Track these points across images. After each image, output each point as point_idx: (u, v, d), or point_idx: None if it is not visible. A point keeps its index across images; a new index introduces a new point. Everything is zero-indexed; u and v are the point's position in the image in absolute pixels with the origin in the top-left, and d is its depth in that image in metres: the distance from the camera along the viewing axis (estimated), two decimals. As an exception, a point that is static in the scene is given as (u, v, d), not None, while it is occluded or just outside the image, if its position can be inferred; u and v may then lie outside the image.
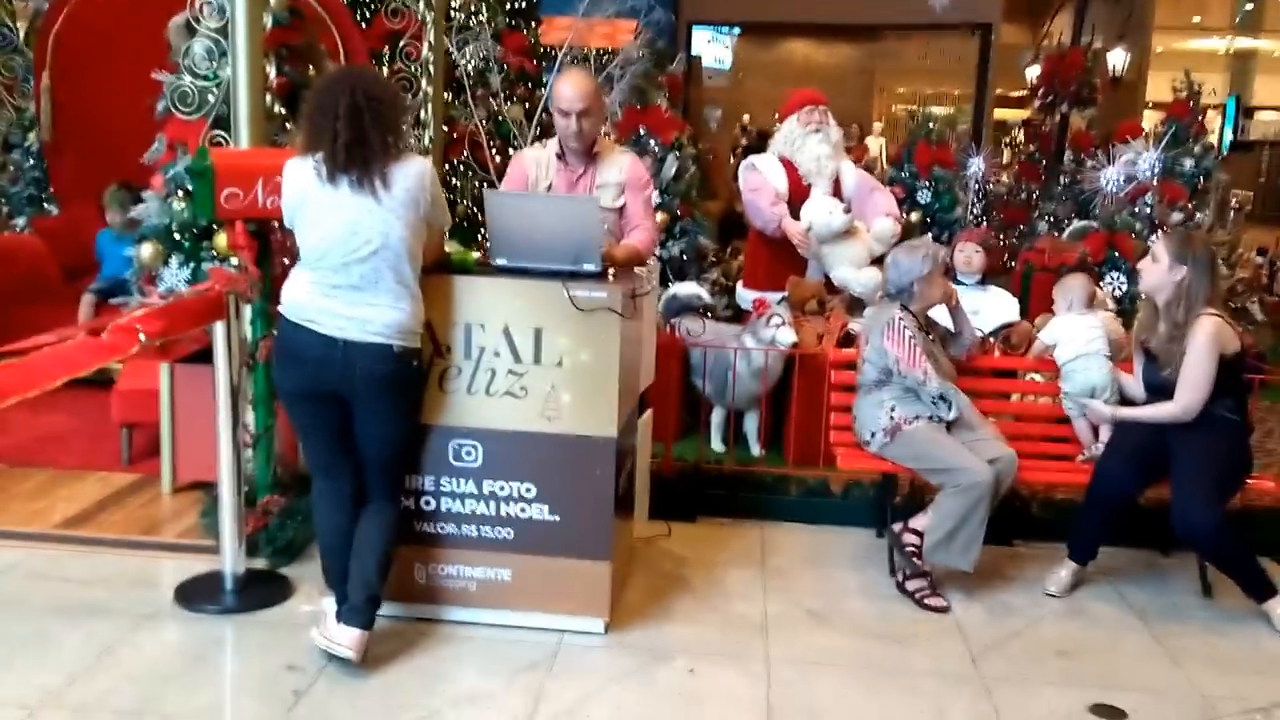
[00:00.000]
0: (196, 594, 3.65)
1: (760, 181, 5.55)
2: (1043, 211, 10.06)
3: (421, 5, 5.96)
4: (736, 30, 20.25)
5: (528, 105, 8.15)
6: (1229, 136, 25.35)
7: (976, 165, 11.35)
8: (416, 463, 3.46)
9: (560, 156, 4.00)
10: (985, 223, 9.29)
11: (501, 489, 3.48)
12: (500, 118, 7.86)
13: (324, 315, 3.14)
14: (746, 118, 18.52)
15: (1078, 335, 4.26)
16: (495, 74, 8.03)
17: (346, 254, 3.12)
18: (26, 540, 4.03)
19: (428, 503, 3.51)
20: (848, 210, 5.34)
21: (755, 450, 5.16)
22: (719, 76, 20.93)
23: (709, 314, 5.69)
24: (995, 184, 11.07)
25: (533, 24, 8.90)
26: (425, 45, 6.23)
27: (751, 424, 5.25)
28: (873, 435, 4.10)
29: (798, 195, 5.53)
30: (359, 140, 3.08)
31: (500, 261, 3.51)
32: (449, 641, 3.45)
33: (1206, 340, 3.74)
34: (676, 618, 3.71)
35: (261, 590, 3.69)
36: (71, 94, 6.32)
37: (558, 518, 3.48)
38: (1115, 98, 15.00)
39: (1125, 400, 4.14)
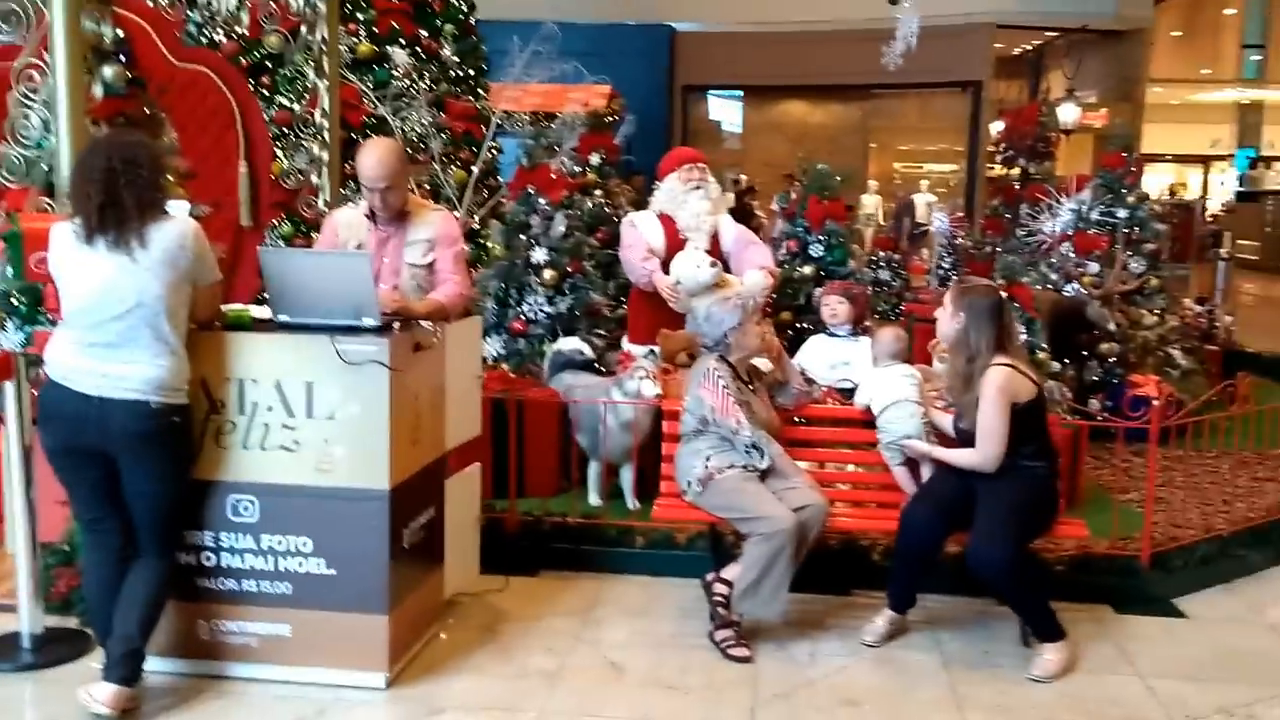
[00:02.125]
0: (-7, 652, 3.69)
1: (635, 238, 5.60)
2: (1003, 264, 10.05)
3: (312, 74, 6.11)
4: (739, 94, 20.57)
5: (472, 169, 8.34)
6: (1235, 187, 25.17)
7: (941, 220, 11.41)
8: (195, 518, 3.49)
9: (371, 216, 4.07)
10: (954, 275, 9.26)
11: (279, 543, 3.50)
12: (439, 181, 8.04)
13: (79, 374, 3.20)
14: (743, 176, 18.65)
15: (889, 386, 4.26)
16: (434, 139, 8.23)
17: (102, 312, 3.19)
18: None
19: (208, 558, 3.53)
20: (714, 264, 5.36)
21: (630, 503, 5.15)
22: (733, 139, 21.23)
23: (596, 368, 5.73)
24: (962, 238, 11.08)
25: (479, 90, 9.11)
26: (319, 112, 6.41)
27: (626, 477, 5.25)
28: (689, 484, 4.08)
29: (675, 250, 5.57)
30: (113, 203, 3.18)
31: (282, 318, 3.57)
32: (224, 697, 3.45)
33: (993, 390, 3.71)
34: (468, 672, 3.68)
35: (60, 647, 3.72)
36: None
37: (335, 571, 3.49)
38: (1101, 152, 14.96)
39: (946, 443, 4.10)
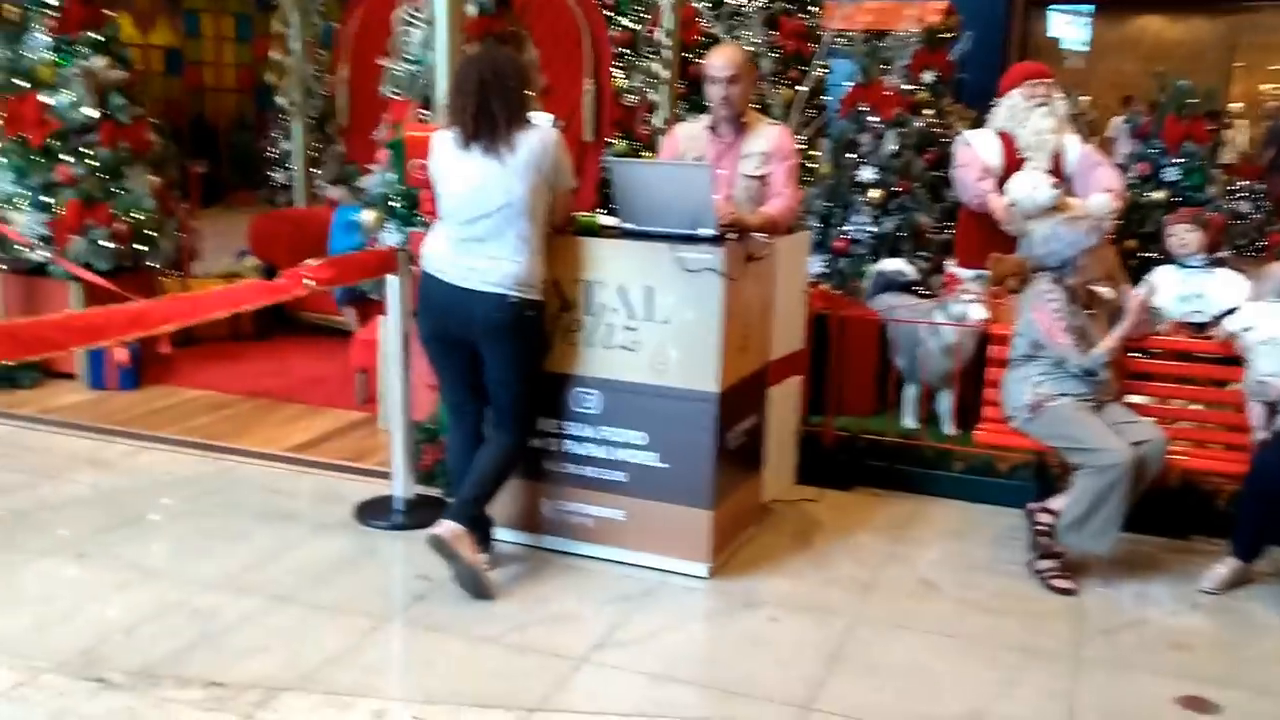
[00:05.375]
0: (371, 512, 4.21)
1: (970, 157, 5.42)
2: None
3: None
4: (1091, 9, 19.14)
5: (797, 89, 8.35)
6: None
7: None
8: (545, 407, 3.81)
9: (712, 129, 4.21)
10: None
11: (616, 435, 3.76)
12: (767, 100, 8.10)
13: (452, 266, 3.56)
14: (1086, 99, 17.41)
15: (1273, 322, 3.92)
16: (766, 58, 8.29)
17: (474, 210, 3.52)
18: (260, 459, 4.79)
19: (554, 444, 3.85)
20: (1055, 185, 5.12)
21: (948, 428, 5.10)
22: (1075, 58, 19.87)
23: (918, 291, 5.66)
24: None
25: (812, 8, 9.04)
26: (661, 31, 6.62)
27: (945, 401, 5.19)
28: (1016, 410, 3.99)
29: (1012, 170, 5.37)
30: (485, 112, 3.48)
31: (627, 225, 3.79)
32: (562, 571, 3.78)
33: None
34: (783, 573, 3.83)
35: (426, 512, 4.17)
36: (364, 83, 7.23)
37: (666, 465, 3.72)
38: None
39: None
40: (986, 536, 4.18)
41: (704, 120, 4.26)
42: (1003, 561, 3.96)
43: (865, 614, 3.55)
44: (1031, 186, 5.15)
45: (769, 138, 4.16)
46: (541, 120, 3.68)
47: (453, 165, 3.56)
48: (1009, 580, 3.82)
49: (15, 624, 3.32)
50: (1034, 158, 5.34)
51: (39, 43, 5.80)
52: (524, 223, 3.52)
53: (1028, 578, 3.82)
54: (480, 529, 3.63)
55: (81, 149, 5.83)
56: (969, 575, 3.86)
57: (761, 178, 4.13)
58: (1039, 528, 3.84)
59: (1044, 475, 4.20)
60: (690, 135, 4.27)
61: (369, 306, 6.50)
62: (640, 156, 6.51)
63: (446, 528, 3.50)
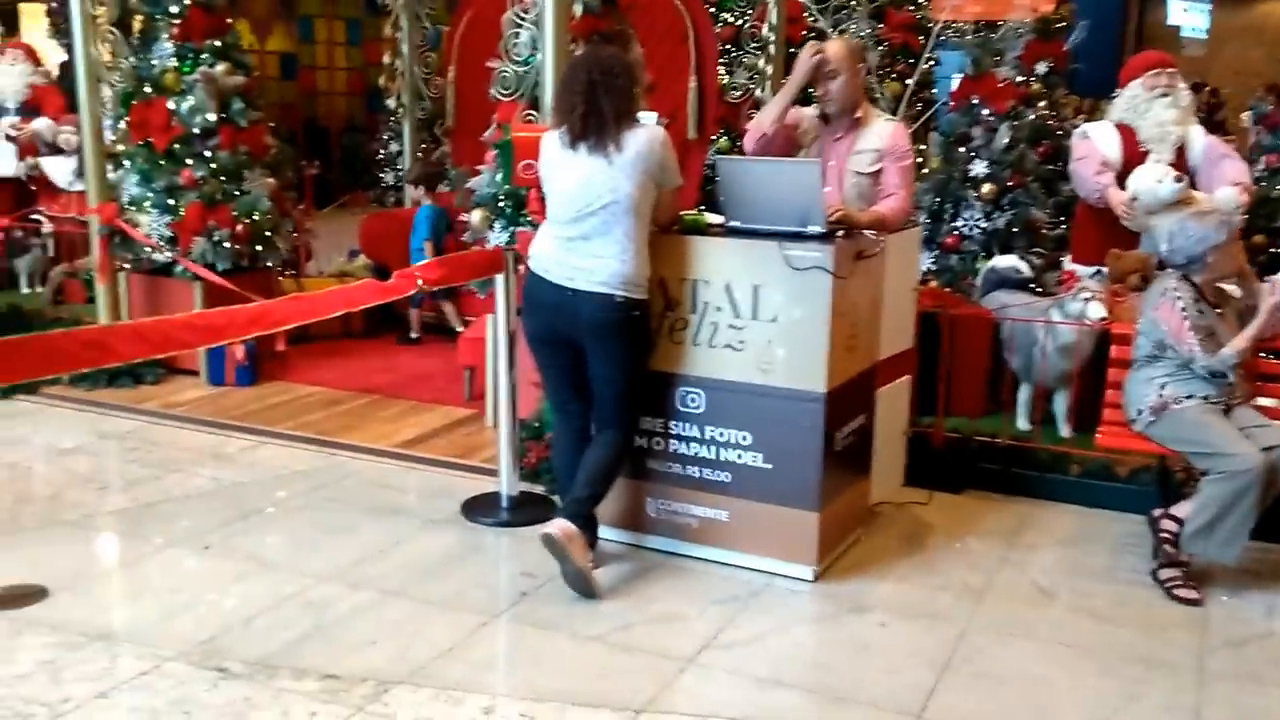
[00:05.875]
0: (478, 508, 4.26)
1: (1089, 149, 5.25)
2: None
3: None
4: (1210, -6, 18.40)
5: (906, 82, 8.21)
6: None
7: None
8: (649, 405, 3.80)
9: (824, 119, 4.15)
10: None
11: (721, 435, 3.74)
12: (876, 93, 7.98)
13: (557, 265, 3.58)
14: (1208, 87, 16.75)
15: None
16: (872, 50, 8.16)
17: (581, 208, 3.53)
18: (370, 454, 4.90)
19: (658, 443, 3.85)
20: (1179, 179, 4.92)
21: (1063, 431, 4.95)
22: (1194, 45, 19.14)
23: (1032, 288, 5.50)
24: None
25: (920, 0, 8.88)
26: (765, 26, 6.56)
27: (1061, 403, 5.04)
28: (1139, 413, 3.85)
29: (1133, 163, 5.18)
30: (594, 111, 3.49)
31: (734, 223, 3.77)
32: (666, 571, 3.78)
33: None
34: (893, 577, 3.76)
35: (531, 509, 4.23)
36: (470, 85, 7.32)
37: (771, 465, 3.68)
38: None
39: None
40: (1105, 543, 4.05)
41: (817, 108, 4.20)
42: (1122, 569, 3.83)
43: (977, 620, 3.46)
44: (1155, 180, 4.95)
45: (883, 134, 4.08)
46: (648, 118, 3.68)
47: (560, 164, 3.57)
48: (1129, 588, 3.68)
49: (142, 614, 3.45)
50: (1156, 150, 5.15)
51: (164, 50, 6.01)
52: (630, 221, 3.52)
53: (1149, 586, 3.68)
54: (590, 529, 3.64)
55: (203, 153, 6.02)
56: (1086, 582, 3.74)
57: (874, 175, 4.06)
58: (1163, 535, 3.70)
59: (1166, 480, 4.04)
60: (811, 115, 4.20)
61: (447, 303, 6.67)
62: (742, 153, 6.46)
63: (559, 526, 3.52)
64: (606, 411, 3.70)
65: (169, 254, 5.97)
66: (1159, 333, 3.81)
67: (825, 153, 4.12)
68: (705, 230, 3.78)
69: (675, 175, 3.65)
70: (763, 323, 3.62)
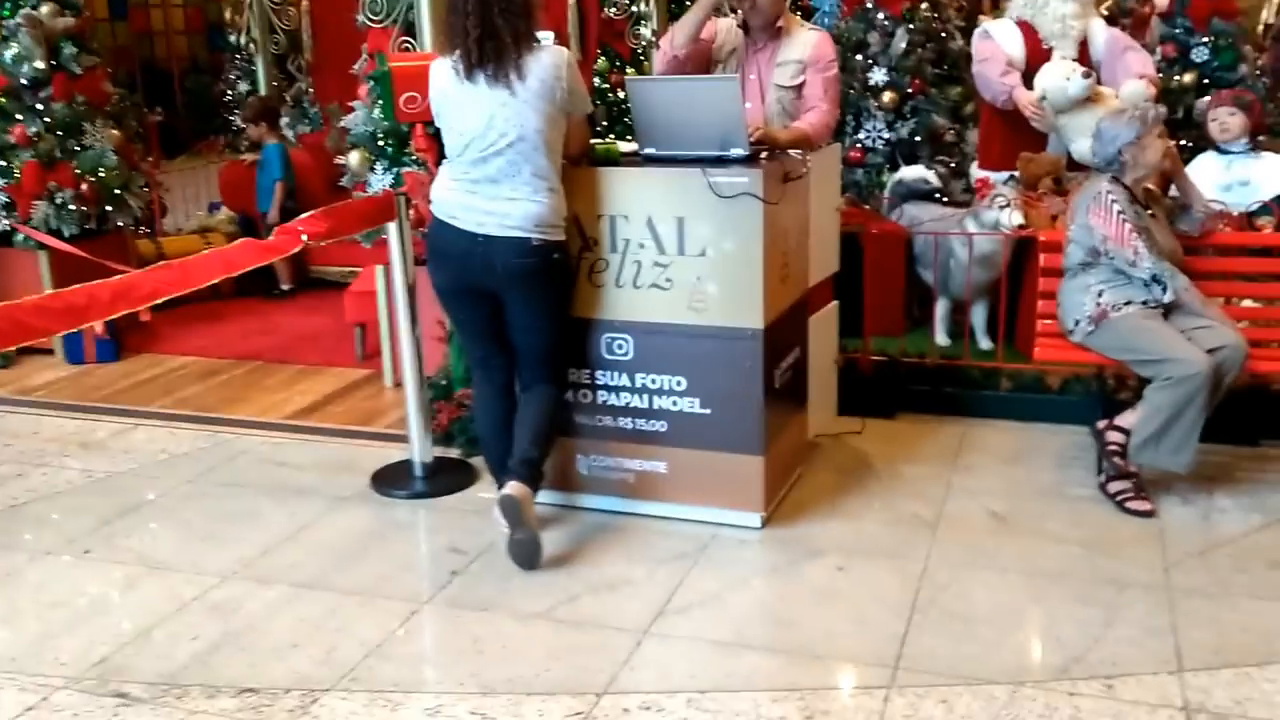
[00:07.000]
0: (389, 479, 3.92)
1: (992, 50, 5.07)
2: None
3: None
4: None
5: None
6: None
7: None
8: (573, 356, 3.50)
9: (744, 28, 3.85)
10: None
11: (653, 382, 3.47)
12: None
13: (465, 211, 3.22)
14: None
15: None
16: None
17: (484, 147, 3.17)
18: (260, 428, 4.49)
19: (585, 395, 3.56)
20: (1088, 75, 4.78)
21: (984, 344, 4.84)
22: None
23: (940, 198, 5.35)
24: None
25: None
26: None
27: (980, 316, 4.93)
28: (1076, 323, 3.72)
29: (1037, 62, 5.02)
30: (490, 34, 3.11)
31: (648, 151, 3.46)
32: (604, 531, 3.51)
33: None
34: (842, 515, 3.58)
35: (448, 478, 3.90)
36: (330, 13, 6.77)
37: (709, 411, 3.43)
38: None
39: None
40: (1047, 459, 3.94)
41: (737, 17, 3.88)
42: (1070, 484, 3.72)
43: (936, 555, 3.30)
44: (1063, 77, 4.81)
45: (807, 44, 3.81)
46: (546, 38, 3.32)
47: (455, 98, 3.20)
48: (1081, 505, 3.58)
49: (20, 636, 3.03)
50: (1059, 46, 5.00)
51: (-26, -7, 5.34)
52: (540, 157, 3.18)
53: (1100, 500, 3.59)
54: (535, 490, 3.35)
55: (35, 106, 5.40)
56: (1037, 503, 3.62)
57: (797, 88, 3.79)
58: (1110, 447, 3.60)
59: (1104, 390, 3.94)
60: (727, 28, 3.89)
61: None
62: (624, 73, 6.08)
63: (517, 487, 3.23)
64: (534, 364, 3.39)
65: (6, 221, 5.38)
66: (1093, 238, 3.67)
67: (745, 65, 3.83)
68: (620, 160, 3.45)
69: (585, 101, 3.31)
70: (690, 258, 3.33)
